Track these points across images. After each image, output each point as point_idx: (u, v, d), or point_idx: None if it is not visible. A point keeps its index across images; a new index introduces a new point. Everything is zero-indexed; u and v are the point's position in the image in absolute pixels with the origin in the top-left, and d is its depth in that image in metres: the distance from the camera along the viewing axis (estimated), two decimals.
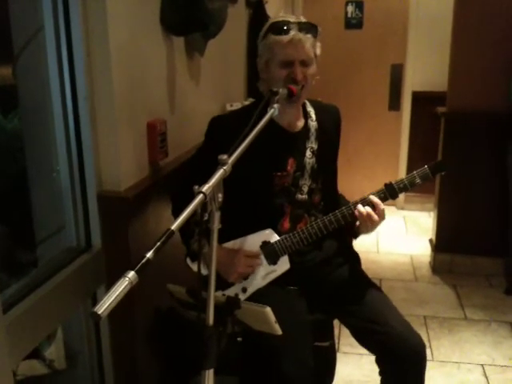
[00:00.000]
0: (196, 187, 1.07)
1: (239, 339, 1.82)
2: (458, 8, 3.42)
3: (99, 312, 0.79)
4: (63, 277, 1.58)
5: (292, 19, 1.67)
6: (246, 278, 1.76)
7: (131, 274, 0.86)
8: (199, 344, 1.18)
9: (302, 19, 1.69)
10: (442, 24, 4.11)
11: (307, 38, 1.65)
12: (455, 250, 3.73)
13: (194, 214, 1.03)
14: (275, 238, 1.75)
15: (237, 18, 3.12)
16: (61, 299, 1.58)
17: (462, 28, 3.41)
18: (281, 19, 1.67)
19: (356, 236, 1.86)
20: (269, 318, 1.35)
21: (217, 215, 1.13)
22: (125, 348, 1.86)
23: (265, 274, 1.75)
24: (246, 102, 3.05)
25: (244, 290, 1.76)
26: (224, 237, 1.63)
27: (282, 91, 1.53)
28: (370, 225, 1.71)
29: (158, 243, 0.92)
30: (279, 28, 1.64)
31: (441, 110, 3.63)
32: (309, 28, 1.66)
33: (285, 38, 1.63)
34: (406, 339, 1.68)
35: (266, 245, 1.75)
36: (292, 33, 1.63)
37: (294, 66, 1.65)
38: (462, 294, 3.45)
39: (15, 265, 1.95)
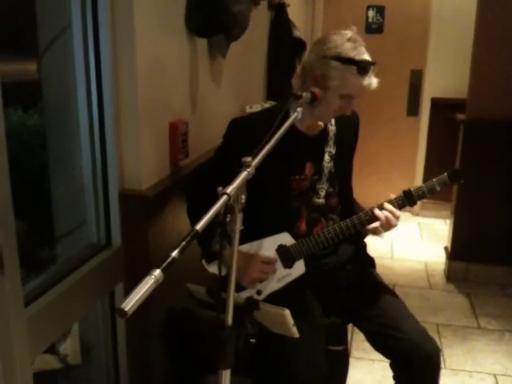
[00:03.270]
0: (220, 188, 1.08)
1: (252, 341, 1.83)
2: (480, 15, 3.40)
3: (126, 309, 0.81)
4: (83, 273, 1.60)
5: (368, 56, 1.65)
6: (260, 281, 1.77)
7: (157, 272, 0.87)
8: (214, 344, 1.19)
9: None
10: (463, 31, 4.09)
11: (375, 82, 1.66)
12: (470, 259, 3.71)
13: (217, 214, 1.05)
14: (291, 241, 1.75)
15: (259, 21, 3.12)
16: (80, 295, 1.60)
17: (483, 35, 3.39)
18: (365, 59, 1.64)
19: (362, 237, 1.89)
20: (287, 321, 1.36)
21: (239, 216, 1.14)
22: (140, 344, 1.88)
23: (280, 277, 1.75)
24: (266, 105, 3.05)
25: (259, 292, 1.76)
26: (241, 239, 1.64)
27: (306, 95, 1.54)
28: (385, 228, 1.71)
29: (183, 243, 0.92)
30: (363, 68, 1.62)
31: (460, 117, 3.60)
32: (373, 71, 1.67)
33: (365, 81, 1.63)
34: (421, 344, 1.68)
35: (281, 248, 1.75)
36: (371, 77, 1.64)
37: (350, 100, 1.67)
38: (476, 303, 3.42)
39: (35, 260, 1.97)
